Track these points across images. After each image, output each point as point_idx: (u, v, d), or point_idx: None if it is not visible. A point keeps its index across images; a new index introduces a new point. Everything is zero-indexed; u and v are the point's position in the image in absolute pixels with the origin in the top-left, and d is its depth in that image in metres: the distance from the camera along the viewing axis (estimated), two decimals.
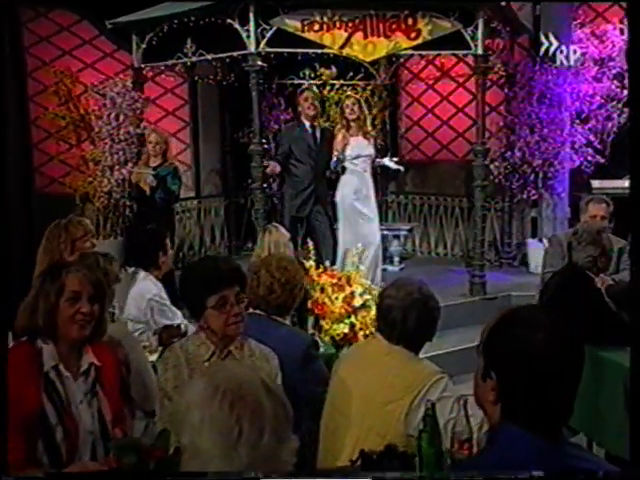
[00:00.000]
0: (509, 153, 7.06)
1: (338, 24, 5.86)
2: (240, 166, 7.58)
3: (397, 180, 8.43)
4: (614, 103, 7.00)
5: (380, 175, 7.65)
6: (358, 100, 6.51)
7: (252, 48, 5.80)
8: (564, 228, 6.75)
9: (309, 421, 2.87)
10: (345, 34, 5.89)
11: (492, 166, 6.97)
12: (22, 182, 6.57)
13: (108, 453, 2.19)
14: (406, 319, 2.59)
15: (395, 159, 7.06)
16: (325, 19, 5.85)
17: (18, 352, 2.37)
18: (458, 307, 5.99)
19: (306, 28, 5.88)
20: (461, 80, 7.89)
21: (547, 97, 6.96)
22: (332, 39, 5.90)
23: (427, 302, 2.64)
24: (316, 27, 5.87)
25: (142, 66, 6.66)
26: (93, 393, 2.43)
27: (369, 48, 5.95)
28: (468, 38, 5.86)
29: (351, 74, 7.61)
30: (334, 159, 6.28)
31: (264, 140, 6.26)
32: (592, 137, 7.03)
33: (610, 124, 7.03)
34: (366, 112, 6.61)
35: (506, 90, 7.25)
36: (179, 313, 3.98)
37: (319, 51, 6.21)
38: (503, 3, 6.06)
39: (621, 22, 7.03)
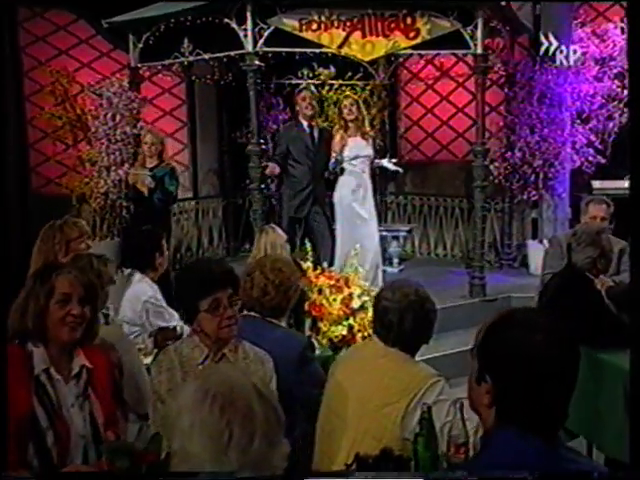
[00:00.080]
0: (509, 153, 7.01)
1: (336, 23, 5.83)
2: (238, 166, 7.53)
3: (396, 181, 8.39)
4: (615, 103, 6.96)
5: (379, 176, 7.61)
6: (356, 101, 6.50)
7: (249, 47, 5.78)
8: (565, 229, 6.72)
9: (305, 423, 2.85)
10: (343, 33, 5.86)
11: (492, 166, 6.93)
12: (18, 182, 6.54)
13: (100, 457, 2.19)
14: (402, 321, 2.57)
15: (394, 160, 7.05)
16: (323, 18, 5.82)
17: (8, 355, 2.33)
18: (457, 309, 5.96)
19: (304, 27, 5.85)
20: (461, 80, 7.85)
21: (547, 97, 6.91)
22: (330, 38, 5.88)
23: (424, 304, 2.62)
24: (314, 26, 5.84)
25: (139, 66, 6.62)
26: (85, 396, 2.40)
27: (367, 48, 5.92)
28: (467, 37, 5.83)
29: (350, 74, 7.58)
30: (332, 160, 6.26)
31: (262, 140, 6.24)
32: (593, 137, 6.98)
33: (611, 124, 6.99)
34: (364, 112, 6.58)
35: (506, 90, 7.20)
36: (176, 315, 3.93)
37: (317, 50, 6.18)
38: (503, 2, 6.03)
39: (622, 21, 6.97)
